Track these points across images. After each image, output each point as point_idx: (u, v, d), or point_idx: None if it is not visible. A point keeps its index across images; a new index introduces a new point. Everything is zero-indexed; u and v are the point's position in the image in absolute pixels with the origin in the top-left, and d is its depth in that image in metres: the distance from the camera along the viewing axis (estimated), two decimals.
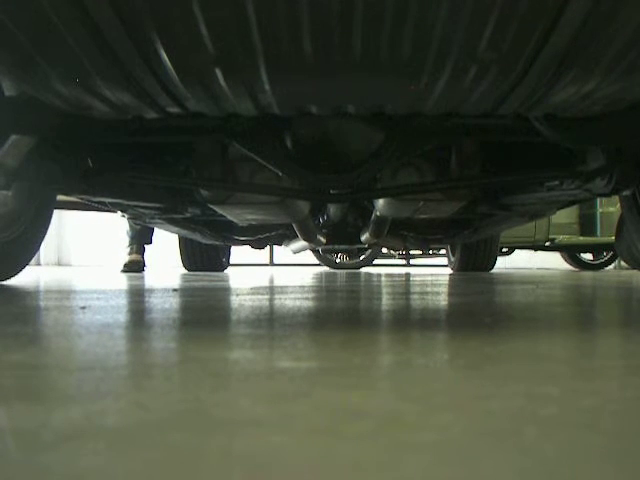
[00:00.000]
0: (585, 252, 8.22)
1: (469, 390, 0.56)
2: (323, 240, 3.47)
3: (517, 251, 8.19)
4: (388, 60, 0.97)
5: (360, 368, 0.66)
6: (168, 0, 0.84)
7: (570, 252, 8.06)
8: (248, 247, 4.28)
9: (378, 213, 2.51)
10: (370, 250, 5.75)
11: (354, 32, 0.89)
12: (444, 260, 7.27)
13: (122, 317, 1.20)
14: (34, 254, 2.46)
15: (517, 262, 9.34)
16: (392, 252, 8.43)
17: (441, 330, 1.04)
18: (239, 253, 6.91)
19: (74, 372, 0.64)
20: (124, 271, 4.97)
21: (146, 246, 5.26)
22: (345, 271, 5.96)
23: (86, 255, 10.52)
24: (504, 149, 1.99)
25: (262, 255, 8.85)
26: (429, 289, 2.46)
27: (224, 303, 1.67)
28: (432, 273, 5.35)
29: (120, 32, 0.91)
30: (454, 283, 3.06)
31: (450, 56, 0.96)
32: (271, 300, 1.71)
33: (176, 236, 4.55)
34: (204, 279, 3.40)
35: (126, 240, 5.20)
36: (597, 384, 0.60)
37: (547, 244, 7.49)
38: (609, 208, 7.07)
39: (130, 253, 5.14)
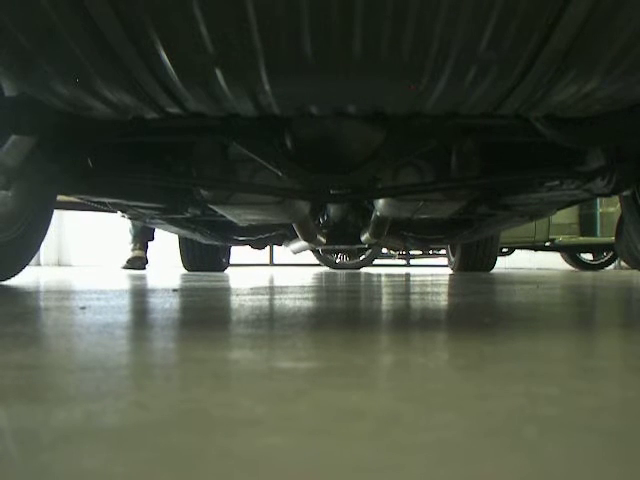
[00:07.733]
0: (585, 252, 8.22)
1: (469, 390, 0.56)
2: (323, 240, 3.47)
3: (517, 251, 8.18)
4: (388, 60, 0.97)
5: (360, 368, 0.66)
6: (168, 1, 0.84)
7: (570, 252, 8.06)
8: (248, 247, 4.28)
9: (378, 213, 2.51)
10: (370, 250, 5.75)
11: (354, 33, 0.89)
12: (444, 260, 7.27)
13: (122, 317, 1.20)
14: (34, 254, 2.45)
15: (517, 262, 9.34)
16: (392, 252, 8.44)
17: (441, 330, 1.04)
18: (239, 253, 6.91)
19: (74, 372, 0.64)
20: (126, 267, 4.99)
21: (149, 243, 5.32)
22: (345, 271, 5.96)
23: (86, 255, 10.51)
24: (504, 149, 1.99)
25: (262, 255, 8.85)
26: (429, 289, 2.46)
27: (224, 303, 1.67)
28: (432, 273, 5.35)
29: (120, 32, 0.91)
30: (454, 283, 3.06)
31: (450, 56, 0.96)
32: (271, 300, 1.71)
33: (176, 236, 4.55)
34: (204, 279, 3.40)
35: (129, 237, 5.24)
36: (597, 384, 0.60)
37: (547, 244, 7.49)
38: (609, 208, 7.06)
39: (133, 250, 5.19)
